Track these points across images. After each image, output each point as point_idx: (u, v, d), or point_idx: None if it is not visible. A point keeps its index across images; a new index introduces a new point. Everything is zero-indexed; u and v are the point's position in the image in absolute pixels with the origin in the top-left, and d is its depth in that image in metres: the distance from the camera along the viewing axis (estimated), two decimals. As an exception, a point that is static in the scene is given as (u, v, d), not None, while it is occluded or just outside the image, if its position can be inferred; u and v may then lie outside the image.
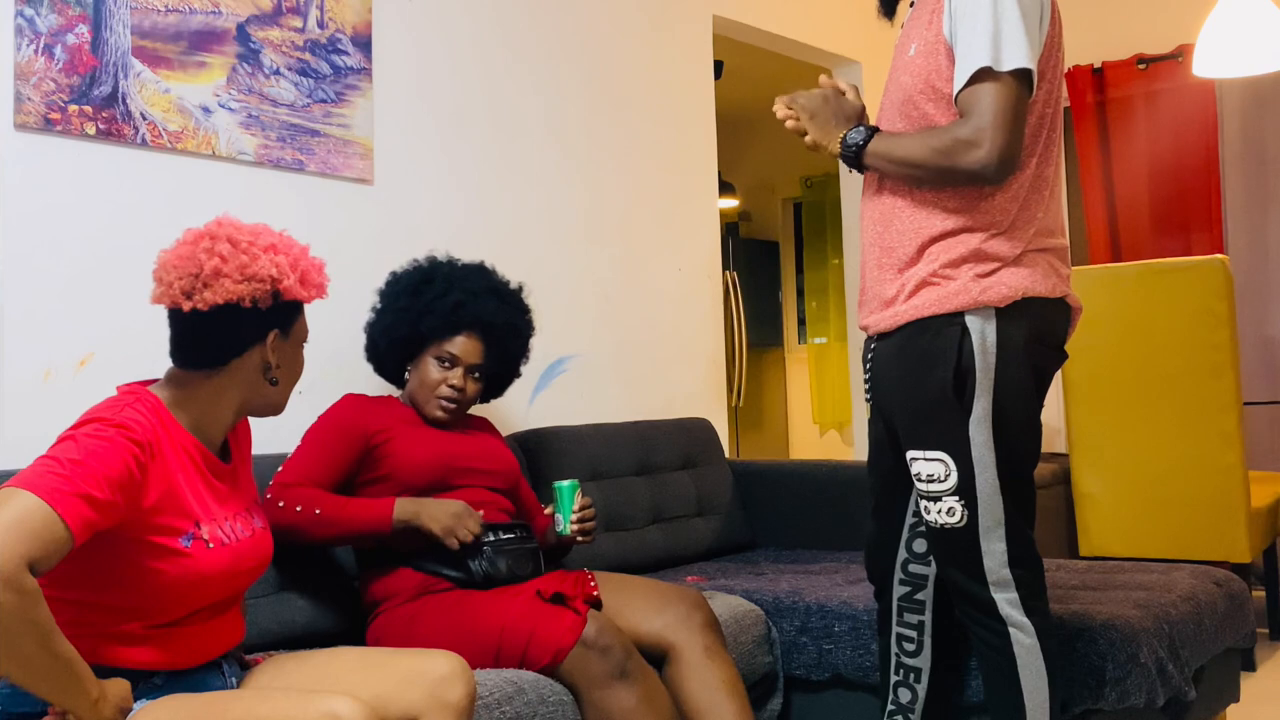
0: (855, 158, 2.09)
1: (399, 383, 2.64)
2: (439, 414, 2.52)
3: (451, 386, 2.51)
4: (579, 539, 2.48)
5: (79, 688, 1.49)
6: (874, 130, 2.09)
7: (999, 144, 1.91)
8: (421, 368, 2.53)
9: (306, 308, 1.86)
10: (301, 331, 1.84)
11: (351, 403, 2.50)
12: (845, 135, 2.11)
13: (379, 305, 2.62)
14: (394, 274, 2.64)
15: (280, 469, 2.37)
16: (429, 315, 2.51)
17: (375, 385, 2.86)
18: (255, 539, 1.80)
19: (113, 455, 1.54)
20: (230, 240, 1.71)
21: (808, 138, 2.16)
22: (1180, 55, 5.06)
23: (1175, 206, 5.15)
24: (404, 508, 2.31)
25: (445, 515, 2.31)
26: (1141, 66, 5.21)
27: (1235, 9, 4.17)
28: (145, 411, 1.64)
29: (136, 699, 1.62)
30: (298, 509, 2.27)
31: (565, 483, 2.49)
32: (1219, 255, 3.78)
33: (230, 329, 1.73)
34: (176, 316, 1.74)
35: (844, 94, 2.19)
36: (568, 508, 2.47)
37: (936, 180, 2.01)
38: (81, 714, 1.51)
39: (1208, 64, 4.27)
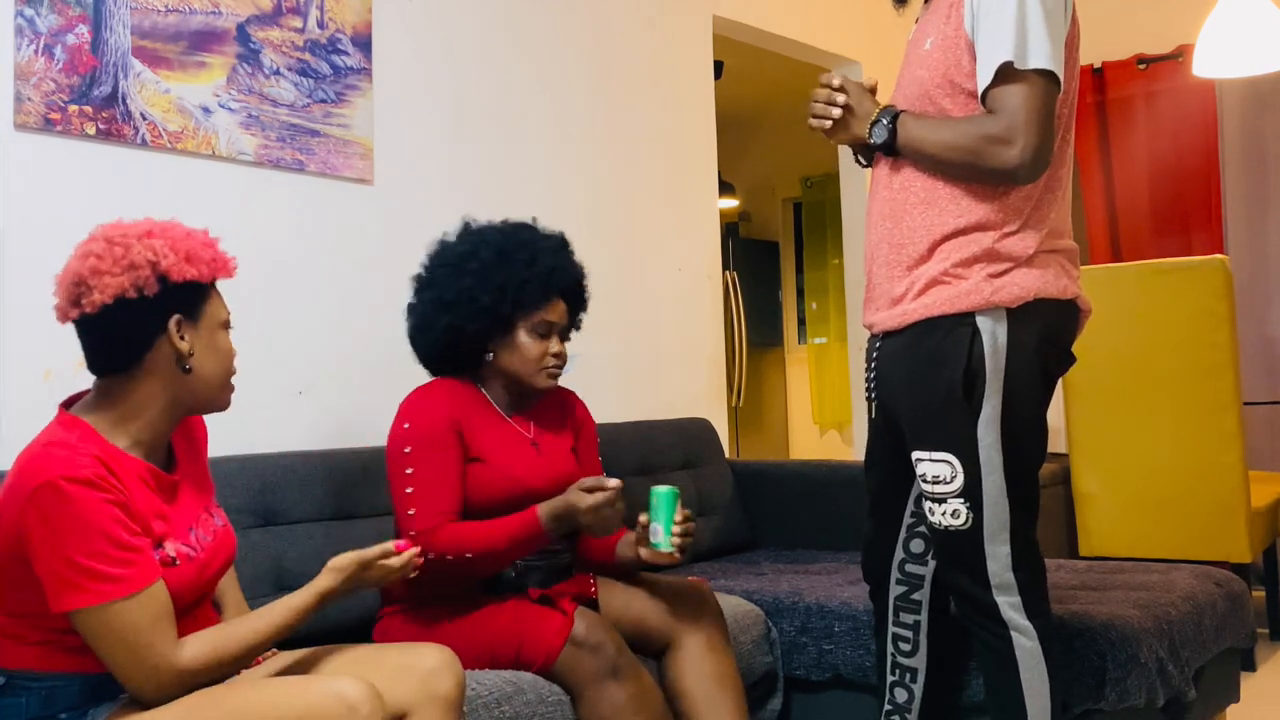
0: (886, 147, 2.06)
1: (473, 370, 2.41)
2: (549, 383, 2.38)
3: (555, 355, 2.37)
4: (677, 556, 2.19)
5: (300, 616, 1.71)
6: (895, 117, 2.04)
7: (1032, 143, 1.90)
8: (515, 344, 2.35)
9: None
10: (215, 314, 1.75)
11: (433, 407, 2.30)
12: (872, 127, 2.06)
13: (449, 296, 2.34)
14: (454, 256, 2.38)
15: (409, 512, 2.20)
16: (526, 286, 2.31)
17: (374, 386, 2.86)
18: (218, 539, 1.79)
19: (100, 516, 1.56)
20: (105, 239, 1.68)
21: (836, 131, 2.10)
22: (1180, 55, 5.06)
23: (1175, 206, 5.16)
24: (549, 509, 2.18)
25: (592, 509, 2.14)
26: (1141, 66, 5.21)
27: (1235, 9, 4.17)
28: (92, 449, 1.61)
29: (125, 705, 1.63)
30: (448, 558, 2.14)
31: (664, 489, 2.14)
32: (1219, 255, 3.78)
33: (126, 324, 1.67)
34: (78, 327, 1.70)
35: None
36: (669, 518, 2.13)
37: (962, 176, 1.99)
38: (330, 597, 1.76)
39: (1208, 64, 4.28)
